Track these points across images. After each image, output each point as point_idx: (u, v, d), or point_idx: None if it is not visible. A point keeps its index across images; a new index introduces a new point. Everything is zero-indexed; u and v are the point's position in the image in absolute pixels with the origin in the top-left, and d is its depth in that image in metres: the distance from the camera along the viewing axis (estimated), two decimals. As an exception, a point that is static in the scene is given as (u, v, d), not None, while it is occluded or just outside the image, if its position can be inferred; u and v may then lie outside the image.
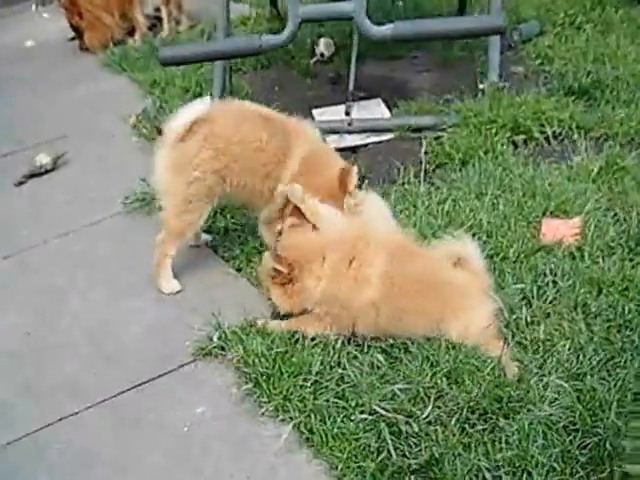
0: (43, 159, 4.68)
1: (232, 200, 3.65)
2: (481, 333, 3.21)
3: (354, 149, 4.83)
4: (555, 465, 2.72)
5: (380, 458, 2.81)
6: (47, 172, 4.70)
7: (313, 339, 3.29)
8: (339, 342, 3.26)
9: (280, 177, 3.42)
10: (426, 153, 4.54)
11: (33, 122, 5.32)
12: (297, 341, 3.30)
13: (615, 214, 3.93)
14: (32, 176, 4.68)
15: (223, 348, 3.36)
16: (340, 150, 4.66)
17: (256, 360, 3.21)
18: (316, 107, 5.20)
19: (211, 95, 4.95)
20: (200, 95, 5.11)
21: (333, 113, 5.08)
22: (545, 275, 3.51)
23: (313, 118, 5.06)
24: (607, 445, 2.77)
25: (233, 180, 3.39)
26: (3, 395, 3.32)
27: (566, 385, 2.96)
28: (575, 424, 2.85)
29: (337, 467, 2.83)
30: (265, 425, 3.05)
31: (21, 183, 4.65)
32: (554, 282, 3.47)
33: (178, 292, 3.70)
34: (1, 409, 3.25)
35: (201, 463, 2.95)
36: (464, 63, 5.66)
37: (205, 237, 3.89)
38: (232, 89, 5.10)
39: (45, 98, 5.65)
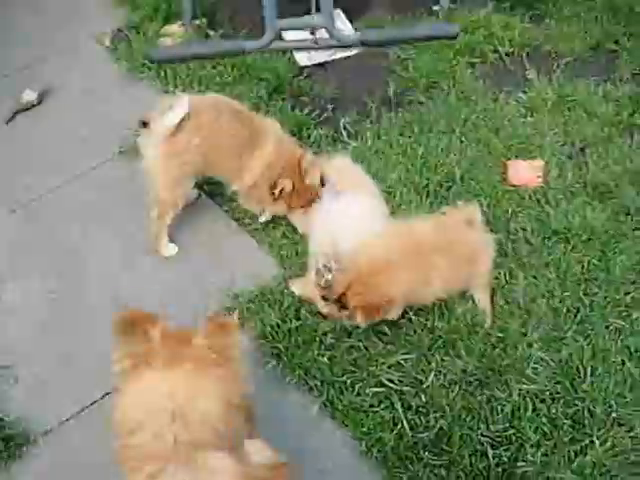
0: (29, 95, 4.14)
1: (210, 175, 3.53)
2: (485, 282, 3.18)
3: (323, 65, 4.41)
4: (543, 438, 2.78)
5: (396, 430, 2.83)
6: (33, 106, 4.15)
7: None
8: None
9: (249, 160, 3.40)
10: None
11: (3, 43, 4.60)
12: (307, 311, 3.16)
13: (573, 150, 3.84)
14: (18, 112, 4.13)
15: (242, 314, 3.21)
16: (310, 67, 4.34)
17: (273, 333, 3.10)
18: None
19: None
20: (170, 16, 4.53)
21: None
22: (517, 231, 3.41)
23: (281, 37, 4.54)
24: (586, 412, 2.84)
25: (214, 160, 3.39)
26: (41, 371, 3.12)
27: (546, 357, 2.98)
28: (558, 393, 2.89)
29: (361, 439, 2.82)
30: (292, 394, 3.01)
31: (10, 119, 4.11)
32: (526, 239, 3.37)
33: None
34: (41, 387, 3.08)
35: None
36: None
37: (193, 194, 3.66)
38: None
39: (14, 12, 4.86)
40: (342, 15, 4.71)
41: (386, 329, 3.10)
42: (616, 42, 4.44)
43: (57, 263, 3.49)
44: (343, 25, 4.66)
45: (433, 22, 4.43)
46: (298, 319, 3.14)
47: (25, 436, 2.91)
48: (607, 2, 4.66)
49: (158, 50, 3.84)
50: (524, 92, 4.11)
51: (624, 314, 3.14)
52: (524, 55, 4.37)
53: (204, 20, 4.54)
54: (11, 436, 2.89)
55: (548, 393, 2.89)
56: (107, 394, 2.98)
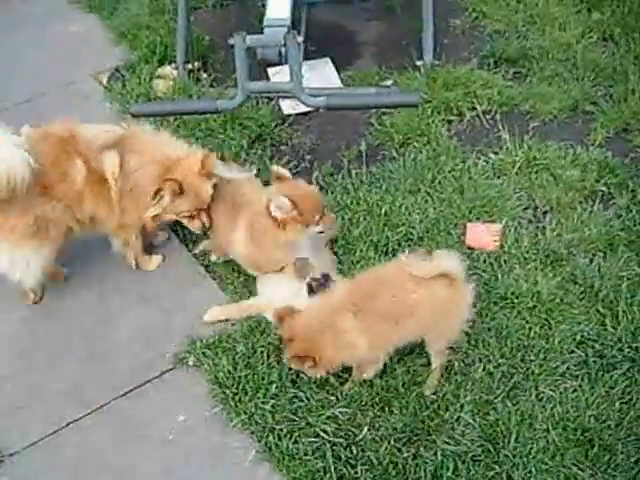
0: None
1: None
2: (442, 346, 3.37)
3: (307, 114, 4.74)
4: (461, 497, 3.06)
5: (326, 479, 3.12)
6: (30, 142, 4.54)
7: (270, 362, 3.47)
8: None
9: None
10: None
11: (6, 76, 5.02)
12: (258, 359, 3.48)
13: (534, 215, 4.09)
14: (16, 146, 4.52)
15: (199, 359, 3.53)
16: (293, 116, 4.67)
17: (224, 378, 3.42)
18: (272, 65, 4.98)
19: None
20: (165, 57, 4.90)
21: (287, 73, 4.90)
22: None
23: (268, 77, 4.90)
24: (504, 476, 3.11)
25: None
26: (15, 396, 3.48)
27: (473, 422, 3.23)
28: (480, 455, 3.16)
29: (292, 485, 3.14)
30: (235, 437, 3.31)
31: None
32: (474, 304, 3.62)
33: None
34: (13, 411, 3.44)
35: (185, 472, 3.24)
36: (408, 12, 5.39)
37: (163, 236, 4.02)
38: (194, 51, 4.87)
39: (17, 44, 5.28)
40: (330, 64, 5.04)
41: (331, 381, 3.39)
42: (594, 104, 4.67)
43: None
44: (331, 76, 4.97)
45: (399, 89, 4.70)
46: (248, 367, 3.45)
47: (-5, 456, 3.26)
48: (591, 62, 4.89)
49: (138, 105, 4.20)
50: (495, 153, 4.36)
51: (557, 383, 3.38)
52: (499, 114, 4.62)
53: (197, 63, 4.89)
54: (-19, 455, 3.26)
55: (471, 455, 3.15)
56: (70, 423, 3.36)
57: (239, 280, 3.85)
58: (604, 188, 4.20)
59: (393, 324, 3.16)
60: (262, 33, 4.04)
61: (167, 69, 4.86)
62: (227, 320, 3.68)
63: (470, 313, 3.36)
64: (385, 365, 3.40)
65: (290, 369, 3.39)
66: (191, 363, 3.53)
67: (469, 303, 3.32)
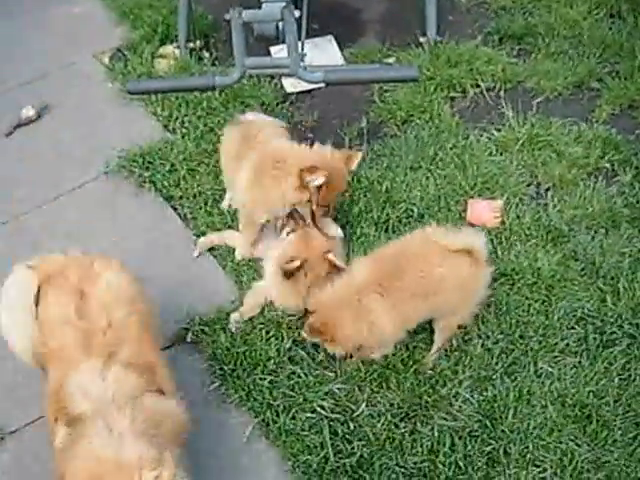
0: (29, 111, 4.58)
1: None
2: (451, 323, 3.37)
3: (309, 92, 4.74)
4: (458, 472, 3.07)
5: (322, 454, 3.14)
6: (32, 122, 4.59)
7: (268, 338, 3.49)
8: (290, 341, 3.47)
9: None
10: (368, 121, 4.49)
11: (9, 58, 5.06)
12: (256, 336, 3.50)
13: (536, 191, 4.08)
14: (18, 126, 4.57)
15: (197, 335, 3.56)
16: (295, 94, 4.66)
17: (222, 356, 3.45)
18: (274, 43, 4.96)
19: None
20: (167, 37, 4.90)
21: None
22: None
23: (270, 54, 4.89)
24: (501, 451, 3.13)
25: None
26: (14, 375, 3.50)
27: (470, 398, 3.25)
28: (477, 431, 3.18)
29: (289, 459, 3.16)
30: (233, 413, 3.34)
31: (10, 133, 4.56)
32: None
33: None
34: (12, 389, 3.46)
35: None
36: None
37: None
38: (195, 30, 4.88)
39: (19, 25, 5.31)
40: (333, 42, 5.03)
41: (326, 358, 3.41)
42: (599, 80, 4.64)
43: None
44: (334, 54, 4.96)
45: (397, 64, 4.71)
46: (246, 344, 3.48)
47: (-5, 434, 3.30)
48: (597, 38, 4.85)
49: (135, 82, 4.18)
50: (498, 130, 4.34)
51: (556, 359, 3.39)
52: (503, 91, 4.60)
53: (199, 42, 4.90)
54: (-19, 433, 3.29)
55: (468, 430, 3.17)
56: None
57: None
58: (607, 165, 4.20)
59: (421, 301, 3.17)
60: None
61: (169, 48, 4.87)
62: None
63: (486, 294, 3.38)
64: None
65: (290, 347, 3.43)
66: (189, 340, 3.54)
67: (488, 282, 3.34)
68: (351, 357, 3.38)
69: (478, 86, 4.64)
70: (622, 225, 3.88)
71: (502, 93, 4.62)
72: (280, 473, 3.16)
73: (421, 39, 4.86)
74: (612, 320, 3.50)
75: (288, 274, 3.39)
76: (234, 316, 3.58)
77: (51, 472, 3.10)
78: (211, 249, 3.93)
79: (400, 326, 3.25)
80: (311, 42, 4.86)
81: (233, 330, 3.53)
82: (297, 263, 3.36)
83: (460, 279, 3.18)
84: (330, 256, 3.41)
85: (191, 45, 4.86)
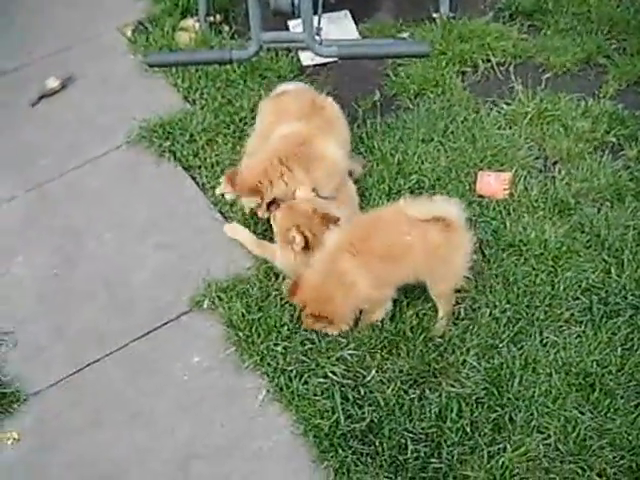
0: (53, 82, 4.42)
1: None
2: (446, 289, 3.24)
3: (325, 65, 4.55)
4: (465, 438, 2.94)
5: (333, 419, 3.02)
6: (56, 92, 4.42)
7: (282, 305, 3.35)
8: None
9: None
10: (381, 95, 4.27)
11: (34, 30, 4.87)
12: (271, 303, 3.37)
13: (544, 164, 3.90)
14: (43, 97, 4.41)
15: (214, 302, 3.43)
16: (312, 67, 4.49)
17: (238, 322, 3.31)
18: (290, 18, 4.75)
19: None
20: (188, 10, 4.70)
21: (306, 25, 4.70)
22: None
23: (288, 29, 4.69)
24: (506, 418, 2.99)
25: None
26: (38, 338, 3.41)
27: (477, 365, 3.12)
28: (483, 398, 3.05)
29: (301, 423, 3.04)
30: (247, 378, 3.22)
31: (35, 103, 4.40)
32: (480, 249, 3.48)
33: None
34: (37, 352, 3.36)
35: (199, 411, 3.16)
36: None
37: None
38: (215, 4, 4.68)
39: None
40: (349, 16, 4.82)
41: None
42: (607, 57, 4.42)
43: (61, 242, 3.77)
44: (349, 29, 4.75)
45: (409, 39, 4.51)
46: (261, 310, 3.34)
47: (17, 395, 3.21)
48: (605, 15, 4.63)
49: (154, 55, 4.05)
50: (507, 104, 4.15)
51: (561, 329, 3.25)
52: (513, 66, 4.40)
53: (218, 16, 4.69)
54: (5, 394, 3.20)
55: (474, 397, 3.04)
56: (90, 364, 3.30)
57: (257, 226, 3.70)
58: (614, 139, 4.00)
59: (390, 264, 3.05)
60: (276, -18, 3.84)
61: (189, 22, 4.68)
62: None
63: (469, 260, 3.20)
64: (394, 309, 3.28)
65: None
66: (206, 306, 3.42)
67: (467, 249, 3.17)
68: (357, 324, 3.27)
69: (489, 61, 4.43)
70: (627, 198, 3.71)
71: (512, 68, 4.42)
72: (292, 437, 3.04)
73: (434, 15, 4.65)
74: (616, 291, 3.34)
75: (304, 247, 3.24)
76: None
77: (73, 432, 3.05)
78: (227, 217, 3.77)
79: (376, 284, 3.09)
80: (327, 17, 4.64)
81: None
82: (294, 232, 3.21)
83: (430, 246, 3.04)
84: (318, 209, 3.26)
85: (211, 19, 4.67)
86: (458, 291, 3.30)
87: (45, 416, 3.16)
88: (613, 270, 3.41)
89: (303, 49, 4.40)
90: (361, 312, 3.25)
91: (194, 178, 3.97)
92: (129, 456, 3.03)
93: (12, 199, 3.98)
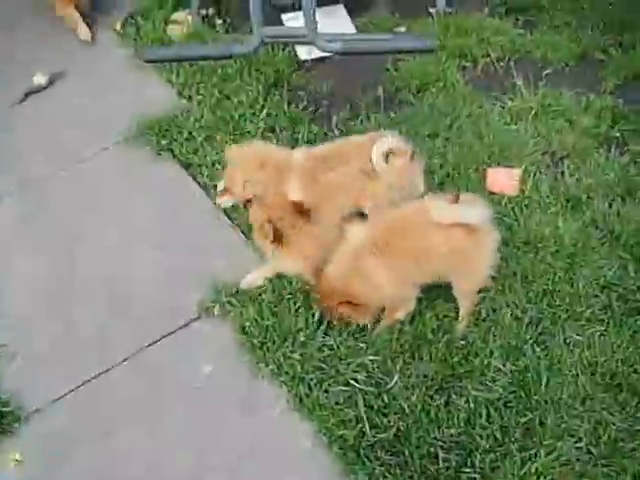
0: (40, 79, 4.05)
1: None
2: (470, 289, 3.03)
3: (323, 60, 4.25)
4: (495, 444, 2.71)
5: (358, 428, 2.77)
6: (44, 89, 4.05)
7: (297, 309, 3.07)
8: (319, 311, 3.05)
9: None
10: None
11: (20, 24, 4.49)
12: (285, 307, 3.09)
13: (552, 160, 3.69)
14: (29, 94, 4.04)
15: (224, 308, 3.15)
16: (310, 61, 4.22)
17: (250, 327, 3.04)
18: (286, 11, 4.45)
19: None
20: (179, 3, 4.36)
21: (301, 19, 4.39)
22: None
23: (282, 23, 4.38)
24: (536, 422, 2.77)
25: None
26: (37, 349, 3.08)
27: (503, 367, 2.90)
28: (512, 402, 2.83)
29: (324, 434, 2.78)
30: (264, 387, 2.95)
31: (22, 100, 4.03)
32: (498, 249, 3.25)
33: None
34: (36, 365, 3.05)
35: (214, 420, 2.88)
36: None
37: None
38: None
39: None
40: (344, 11, 4.54)
41: (357, 328, 3.02)
42: (604, 52, 4.23)
43: (56, 242, 3.44)
44: (344, 23, 4.47)
45: (414, 34, 4.27)
46: (275, 315, 3.06)
47: (17, 414, 2.88)
48: (599, 11, 4.44)
49: (150, 50, 3.73)
50: (510, 99, 3.93)
51: (583, 328, 3.05)
52: (513, 62, 4.18)
53: (211, 9, 4.38)
54: (3, 413, 2.87)
55: (502, 402, 2.82)
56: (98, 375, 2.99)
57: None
58: (618, 134, 3.81)
59: (412, 264, 2.84)
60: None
61: (181, 14, 4.36)
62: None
63: (494, 259, 2.98)
64: (414, 312, 3.02)
65: (319, 318, 3.04)
66: (217, 312, 3.12)
67: (492, 249, 2.95)
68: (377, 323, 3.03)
69: (488, 56, 4.21)
70: (637, 193, 3.52)
71: (512, 63, 4.20)
72: (315, 449, 2.78)
73: (430, 10, 4.42)
74: (634, 288, 3.15)
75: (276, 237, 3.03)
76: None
77: (78, 450, 2.72)
78: (231, 217, 3.46)
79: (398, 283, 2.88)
80: (322, 11, 4.34)
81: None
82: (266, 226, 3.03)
83: (453, 248, 2.82)
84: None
85: (204, 12, 4.35)
86: (479, 291, 3.06)
87: (48, 435, 2.84)
88: (630, 266, 3.21)
89: (303, 44, 4.10)
90: (383, 310, 3.00)
91: (194, 177, 3.66)
92: (141, 471, 2.75)
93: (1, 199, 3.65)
